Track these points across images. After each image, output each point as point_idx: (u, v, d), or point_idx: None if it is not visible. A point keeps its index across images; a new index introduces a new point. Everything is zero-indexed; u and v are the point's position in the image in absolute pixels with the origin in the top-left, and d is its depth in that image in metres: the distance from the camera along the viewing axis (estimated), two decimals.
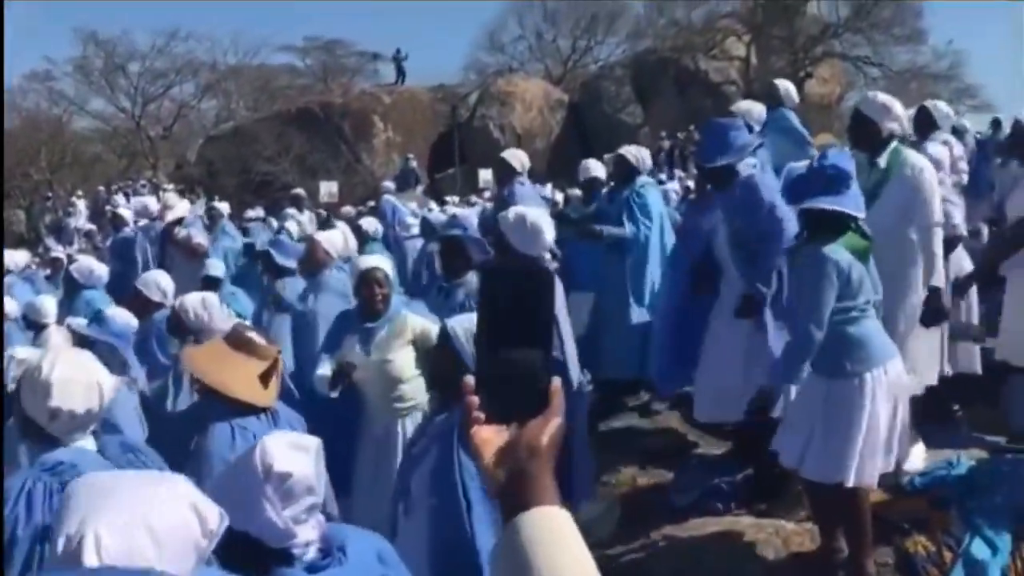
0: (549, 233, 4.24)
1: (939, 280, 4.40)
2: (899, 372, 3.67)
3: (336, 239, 6.07)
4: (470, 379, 1.09)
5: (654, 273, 5.86)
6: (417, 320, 4.11)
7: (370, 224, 9.35)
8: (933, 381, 4.61)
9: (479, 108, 30.81)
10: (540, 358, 1.08)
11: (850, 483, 3.54)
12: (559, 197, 13.58)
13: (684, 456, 5.32)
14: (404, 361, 4.05)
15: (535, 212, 4.36)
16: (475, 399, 1.08)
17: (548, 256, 4.43)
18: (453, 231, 5.01)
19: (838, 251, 3.59)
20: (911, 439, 4.70)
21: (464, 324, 2.87)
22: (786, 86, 6.93)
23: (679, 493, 4.83)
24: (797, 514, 4.31)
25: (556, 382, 1.09)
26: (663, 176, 15.07)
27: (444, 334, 2.93)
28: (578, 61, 36.09)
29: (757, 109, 6.08)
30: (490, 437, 1.08)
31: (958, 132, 6.37)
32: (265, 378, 3.22)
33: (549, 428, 1.07)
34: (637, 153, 6.25)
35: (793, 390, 4.19)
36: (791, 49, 31.50)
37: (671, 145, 22.24)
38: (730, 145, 4.48)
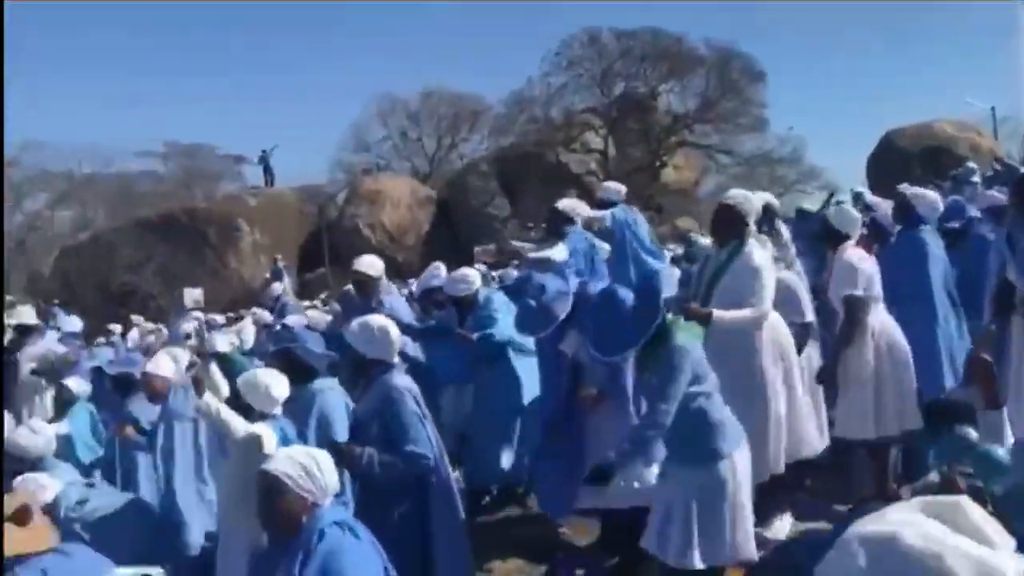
0: (395, 336, 4.22)
1: None
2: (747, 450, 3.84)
3: (164, 364, 5.12)
4: None
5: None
6: None
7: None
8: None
9: (347, 207, 30.87)
10: None
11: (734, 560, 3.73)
12: None
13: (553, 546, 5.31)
14: None
15: (378, 318, 4.32)
16: None
17: (397, 359, 4.37)
18: (281, 344, 4.98)
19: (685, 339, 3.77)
20: (779, 510, 4.91)
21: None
22: (617, 187, 7.84)
23: None
24: None
25: None
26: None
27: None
28: (443, 158, 36.80)
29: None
30: None
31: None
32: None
33: None
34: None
35: (651, 476, 4.29)
36: (646, 140, 33.08)
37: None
38: None
